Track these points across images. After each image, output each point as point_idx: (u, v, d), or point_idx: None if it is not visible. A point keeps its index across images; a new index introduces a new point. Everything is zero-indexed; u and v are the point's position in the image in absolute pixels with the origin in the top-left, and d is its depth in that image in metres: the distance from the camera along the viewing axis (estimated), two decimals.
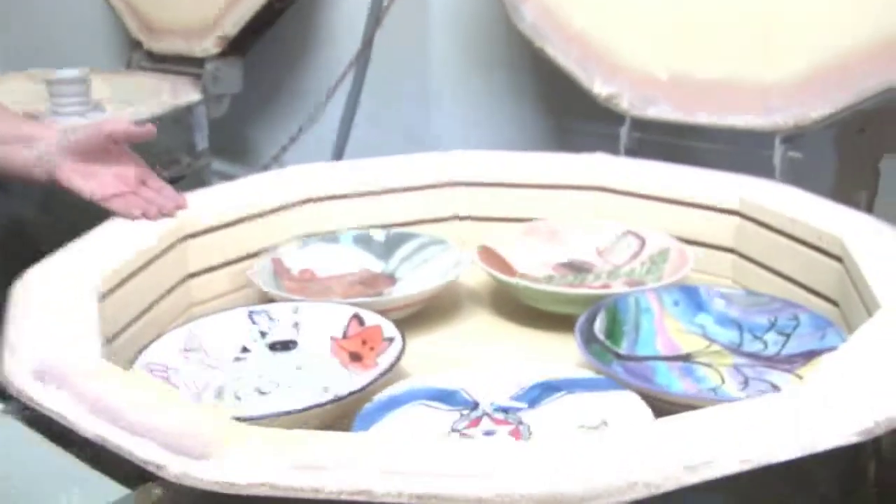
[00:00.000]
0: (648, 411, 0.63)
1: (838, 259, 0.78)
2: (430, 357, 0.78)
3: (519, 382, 0.69)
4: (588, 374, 0.68)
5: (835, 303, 0.80)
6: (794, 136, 0.94)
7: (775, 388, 0.71)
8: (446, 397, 0.68)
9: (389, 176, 1.01)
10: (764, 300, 0.79)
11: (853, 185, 1.03)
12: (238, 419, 0.58)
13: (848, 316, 0.77)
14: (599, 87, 1.03)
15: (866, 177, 1.01)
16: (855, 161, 1.02)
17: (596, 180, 0.99)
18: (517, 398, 0.68)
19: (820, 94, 0.90)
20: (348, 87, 1.48)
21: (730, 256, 0.91)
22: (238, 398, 0.73)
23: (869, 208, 1.03)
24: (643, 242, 0.93)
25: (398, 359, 0.71)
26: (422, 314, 0.86)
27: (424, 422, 0.66)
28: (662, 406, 0.64)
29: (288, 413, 0.64)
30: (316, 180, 0.99)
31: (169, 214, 0.87)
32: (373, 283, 0.93)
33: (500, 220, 1.01)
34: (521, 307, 0.87)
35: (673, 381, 0.72)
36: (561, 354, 0.78)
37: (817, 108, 0.91)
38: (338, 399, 0.65)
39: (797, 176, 0.97)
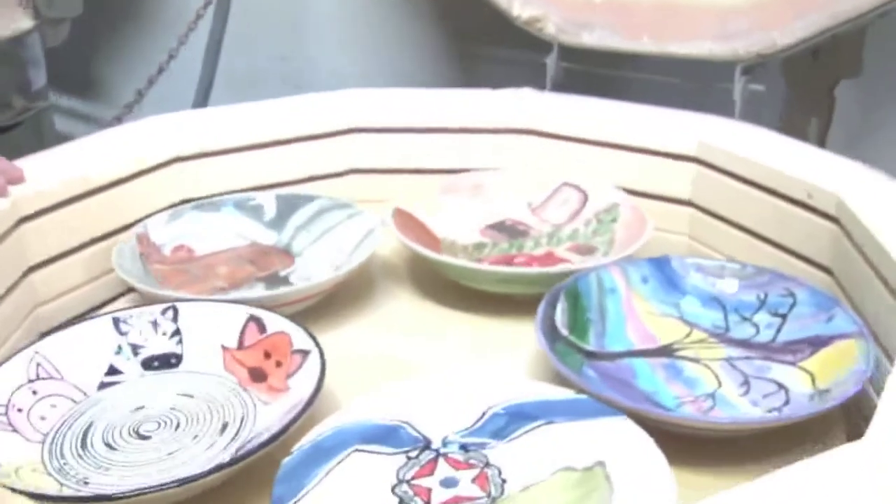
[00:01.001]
0: (654, 447, 0.48)
1: (833, 219, 0.65)
2: (347, 362, 0.62)
3: (478, 406, 0.54)
4: (567, 393, 0.53)
5: (828, 271, 0.67)
6: (756, 67, 0.80)
7: (783, 388, 0.58)
8: (386, 436, 0.52)
9: (273, 124, 0.83)
10: (748, 272, 0.66)
11: (804, 114, 0.90)
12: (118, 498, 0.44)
13: (847, 287, 0.64)
14: (519, 9, 0.86)
15: (819, 105, 0.89)
16: (807, 88, 0.89)
17: (523, 122, 0.83)
18: (479, 431, 0.53)
19: (788, 16, 0.76)
20: (213, 9, 1.27)
21: (687, 211, 0.78)
22: (111, 447, 0.55)
23: (821, 139, 0.91)
24: (585, 197, 0.79)
25: (319, 386, 0.55)
26: (325, 301, 0.70)
27: (363, 476, 0.50)
28: (655, 425, 0.51)
29: (181, 483, 0.47)
30: (183, 133, 0.81)
31: (1, 193, 0.67)
32: (265, 261, 0.76)
33: (411, 173, 0.85)
34: (450, 283, 0.72)
35: (660, 387, 0.59)
36: (515, 349, 0.63)
37: (786, 34, 0.77)
38: (246, 456, 0.49)
39: (750, 109, 0.83)
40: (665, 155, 0.77)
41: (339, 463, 0.50)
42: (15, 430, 0.55)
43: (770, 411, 0.56)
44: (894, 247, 0.58)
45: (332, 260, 0.73)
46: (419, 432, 0.53)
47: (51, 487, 0.51)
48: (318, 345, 0.58)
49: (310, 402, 0.53)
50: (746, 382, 0.59)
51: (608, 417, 0.51)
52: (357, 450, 0.51)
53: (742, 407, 0.56)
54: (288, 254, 0.76)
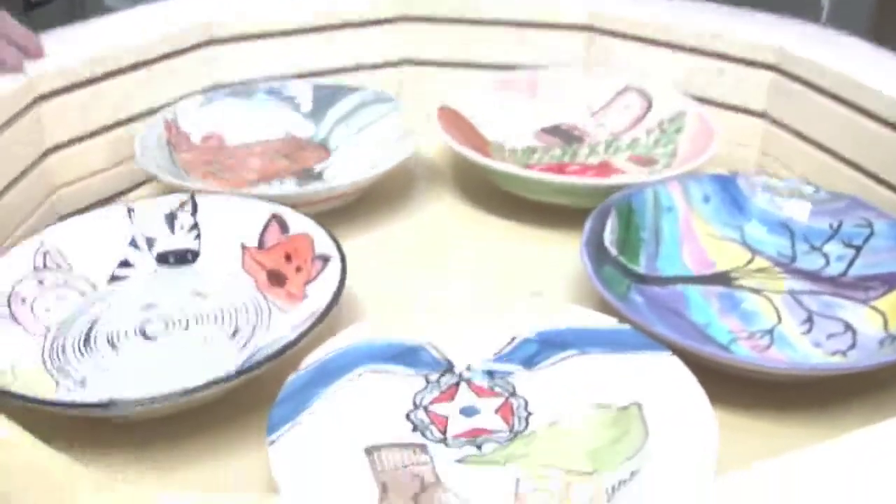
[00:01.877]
0: (699, 389, 0.43)
1: None
2: (374, 269, 0.58)
3: (508, 331, 0.49)
4: (607, 321, 0.48)
5: None
6: None
7: (850, 329, 0.52)
8: (406, 356, 0.48)
9: (317, 7, 0.77)
10: (822, 196, 0.59)
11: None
12: (111, 403, 0.42)
13: None
14: None
15: None
16: None
17: (587, 18, 0.76)
18: (507, 357, 0.48)
19: None
20: None
21: (760, 125, 0.71)
22: (114, 346, 0.52)
23: None
24: (648, 103, 0.72)
25: (338, 295, 0.50)
26: (360, 202, 0.65)
27: (375, 399, 0.46)
28: (703, 363, 0.46)
29: (183, 393, 0.43)
30: (221, 12, 0.75)
31: (15, 67, 0.62)
32: (299, 155, 0.71)
33: (462, 66, 0.79)
34: (496, 189, 0.66)
35: (713, 319, 0.53)
36: (559, 267, 0.58)
37: None
38: (250, 369, 0.45)
39: (838, 15, 0.75)
40: (740, 61, 0.70)
41: (349, 383, 0.45)
42: (17, 322, 0.52)
43: (834, 354, 0.50)
44: None
45: (371, 157, 0.68)
46: (442, 354, 0.48)
47: (47, 386, 0.48)
48: (340, 251, 0.53)
49: (323, 315, 0.48)
50: (810, 320, 0.53)
51: (650, 352, 0.46)
52: (371, 370, 0.46)
53: (803, 347, 0.51)
54: (324, 148, 0.71)
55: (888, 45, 0.67)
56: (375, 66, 0.79)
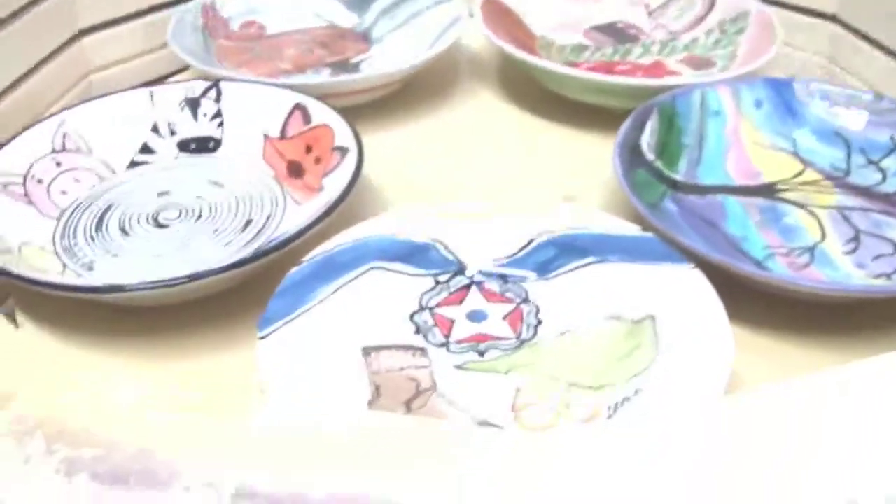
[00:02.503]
0: (719, 306, 0.40)
1: None
2: (401, 165, 0.56)
3: (525, 234, 0.46)
4: (629, 229, 0.45)
5: None
6: None
7: None
8: (414, 255, 0.46)
9: None
10: (884, 105, 0.55)
11: None
12: (115, 287, 0.41)
13: None
14: None
15: None
16: None
17: None
18: (521, 262, 0.46)
19: None
20: None
21: (829, 28, 0.66)
22: (125, 231, 0.51)
23: None
24: (712, 2, 0.68)
25: (350, 187, 0.48)
26: (397, 96, 0.62)
27: (378, 298, 0.44)
28: (732, 277, 0.43)
29: (187, 280, 0.42)
30: None
31: None
32: (338, 45, 0.68)
33: None
34: (540, 87, 0.63)
35: (750, 233, 0.50)
36: (597, 172, 0.55)
37: None
38: (255, 258, 0.43)
39: None
40: None
41: (352, 280, 0.44)
42: (31, 203, 0.51)
43: (878, 277, 0.47)
44: None
45: (413, 50, 0.65)
46: (453, 254, 0.46)
47: (53, 268, 0.47)
48: (359, 142, 0.51)
49: (332, 207, 0.46)
50: (856, 239, 0.49)
51: (672, 263, 0.43)
52: (376, 266, 0.44)
53: (845, 267, 0.47)
54: (366, 39, 0.69)
55: None
56: None
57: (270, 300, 0.41)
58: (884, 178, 0.53)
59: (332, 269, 0.43)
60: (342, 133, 0.52)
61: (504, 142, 0.60)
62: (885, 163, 0.53)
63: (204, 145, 0.56)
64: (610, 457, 0.28)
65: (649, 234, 0.45)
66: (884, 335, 0.44)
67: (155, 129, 0.56)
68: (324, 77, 0.63)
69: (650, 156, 0.52)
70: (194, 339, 0.45)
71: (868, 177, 0.53)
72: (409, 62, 0.60)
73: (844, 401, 0.30)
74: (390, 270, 0.45)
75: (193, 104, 0.56)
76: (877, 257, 0.48)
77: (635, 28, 0.69)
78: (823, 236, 0.49)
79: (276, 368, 0.38)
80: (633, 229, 0.45)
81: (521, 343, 0.42)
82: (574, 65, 0.64)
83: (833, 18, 0.65)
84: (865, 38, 0.62)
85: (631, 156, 0.51)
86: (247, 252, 0.46)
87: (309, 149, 0.53)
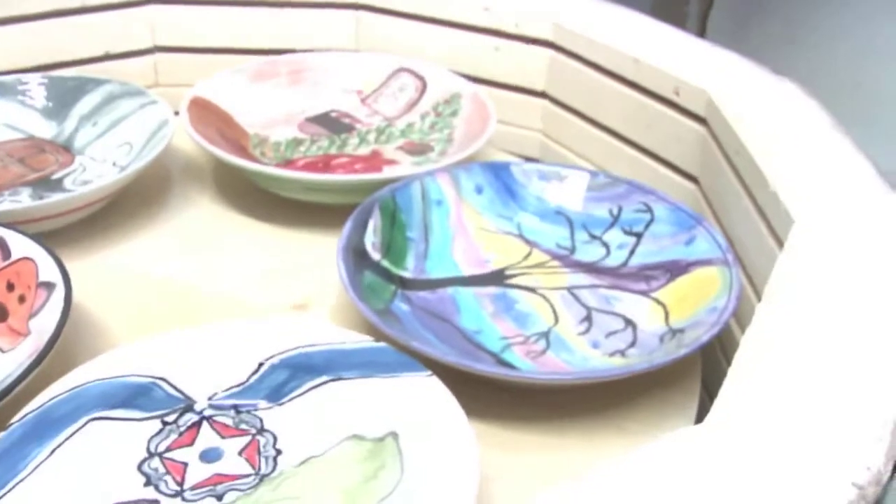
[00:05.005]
0: (461, 414, 0.41)
1: (702, 120, 0.58)
2: (119, 299, 0.54)
3: (254, 357, 0.45)
4: (363, 340, 0.45)
5: (695, 179, 0.60)
6: None
7: (630, 324, 0.51)
8: (137, 397, 0.44)
9: None
10: (600, 181, 0.58)
11: None
12: None
13: (714, 201, 0.57)
14: None
15: None
16: None
17: None
18: (253, 388, 0.45)
19: None
20: None
21: (541, 104, 0.69)
22: None
23: (702, 23, 0.83)
24: (423, 84, 0.70)
25: (59, 329, 0.45)
26: (107, 211, 0.60)
27: (102, 452, 0.41)
28: (470, 375, 0.44)
29: None
30: None
31: None
32: (38, 159, 0.65)
33: (221, 52, 0.74)
34: (261, 190, 0.62)
35: (485, 325, 0.51)
36: (321, 275, 0.55)
37: None
38: None
39: None
40: (517, 38, 0.68)
41: (70, 437, 0.41)
42: None
43: (613, 354, 0.49)
44: (764, 156, 0.51)
45: (120, 159, 0.63)
46: (179, 390, 0.44)
47: None
48: (65, 275, 0.48)
49: (42, 355, 0.43)
50: (588, 318, 0.51)
51: (408, 373, 0.43)
52: (96, 417, 0.42)
53: (580, 350, 0.49)
54: (68, 150, 0.66)
55: (670, 18, 0.66)
56: (125, 55, 0.73)
57: None
58: (608, 253, 0.56)
59: (47, 426, 0.41)
60: (46, 266, 0.49)
61: (227, 250, 0.59)
62: (608, 236, 0.56)
63: None
64: None
65: (382, 345, 0.45)
66: (629, 412, 0.46)
67: None
68: (25, 200, 0.60)
69: (376, 256, 0.52)
70: None
71: (593, 252, 0.56)
72: (118, 174, 0.58)
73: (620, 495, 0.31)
74: (112, 419, 0.42)
75: None
76: (610, 334, 0.50)
77: (349, 117, 0.69)
78: (557, 319, 0.51)
79: None
80: (365, 341, 0.45)
81: (261, 479, 0.41)
82: (290, 162, 0.63)
83: (544, 95, 0.68)
84: (576, 112, 0.66)
85: (357, 258, 0.51)
86: None
87: (11, 287, 0.50)
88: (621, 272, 0.54)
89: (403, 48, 0.71)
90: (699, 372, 0.49)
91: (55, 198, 0.57)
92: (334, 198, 0.59)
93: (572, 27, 0.65)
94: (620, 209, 0.56)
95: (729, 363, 0.37)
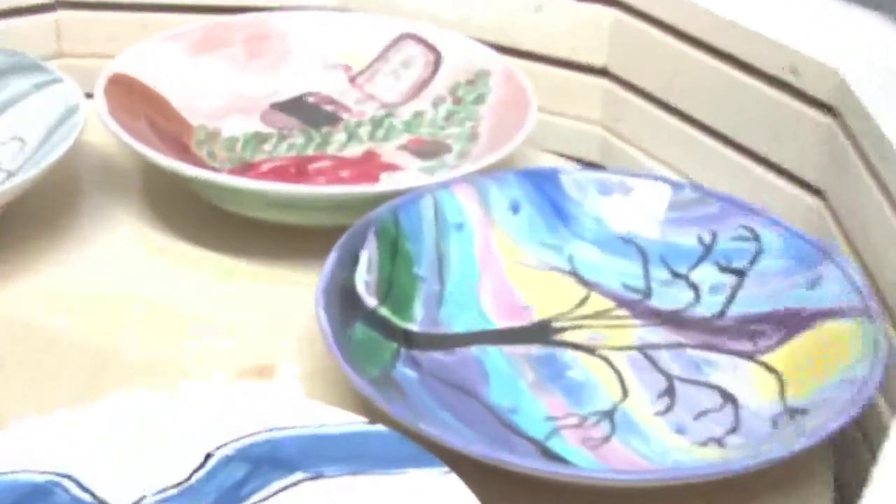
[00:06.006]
0: None
1: (829, 109, 0.58)
2: (14, 369, 0.54)
3: (199, 446, 0.46)
4: (355, 422, 0.45)
5: (819, 192, 0.60)
6: None
7: (729, 401, 0.51)
8: (35, 501, 0.44)
9: None
10: (687, 196, 0.58)
11: None
12: None
13: (844, 218, 0.57)
14: None
15: None
16: None
17: None
18: (195, 490, 0.45)
19: None
20: None
21: (600, 85, 0.70)
22: None
23: None
24: (437, 57, 0.71)
25: None
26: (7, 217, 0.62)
27: None
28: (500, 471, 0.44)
29: None
30: None
31: None
32: None
33: (144, 9, 0.75)
34: (207, 205, 0.63)
35: (523, 400, 0.51)
36: (291, 325, 0.56)
37: None
38: None
39: None
40: None
41: None
42: None
43: (706, 443, 0.49)
44: None
45: (7, 162, 0.64)
46: (91, 493, 0.44)
47: None
48: None
49: None
50: (670, 391, 0.52)
51: (416, 468, 0.43)
52: None
53: (658, 437, 0.49)
54: None
55: None
56: (13, 13, 0.74)
57: None
58: (697, 298, 0.56)
59: None
60: None
61: (160, 290, 0.59)
62: (697, 275, 0.56)
63: None
64: None
65: (380, 428, 0.45)
66: None
67: None
68: None
69: (371, 301, 0.53)
70: None
71: (676, 297, 0.56)
72: (4, 184, 0.59)
73: None
74: None
75: None
76: (700, 414, 0.50)
77: (333, 103, 0.70)
78: (625, 393, 0.52)
79: None
80: (356, 422, 0.45)
81: None
82: (250, 166, 0.64)
83: (605, 72, 0.69)
84: (651, 98, 0.66)
85: (344, 304, 0.51)
86: None
87: None
88: (716, 326, 0.55)
89: (409, 6, 0.72)
90: (830, 468, 0.49)
91: None
92: (312, 218, 0.60)
93: None
94: (715, 236, 0.57)
95: (874, 455, 0.37)
